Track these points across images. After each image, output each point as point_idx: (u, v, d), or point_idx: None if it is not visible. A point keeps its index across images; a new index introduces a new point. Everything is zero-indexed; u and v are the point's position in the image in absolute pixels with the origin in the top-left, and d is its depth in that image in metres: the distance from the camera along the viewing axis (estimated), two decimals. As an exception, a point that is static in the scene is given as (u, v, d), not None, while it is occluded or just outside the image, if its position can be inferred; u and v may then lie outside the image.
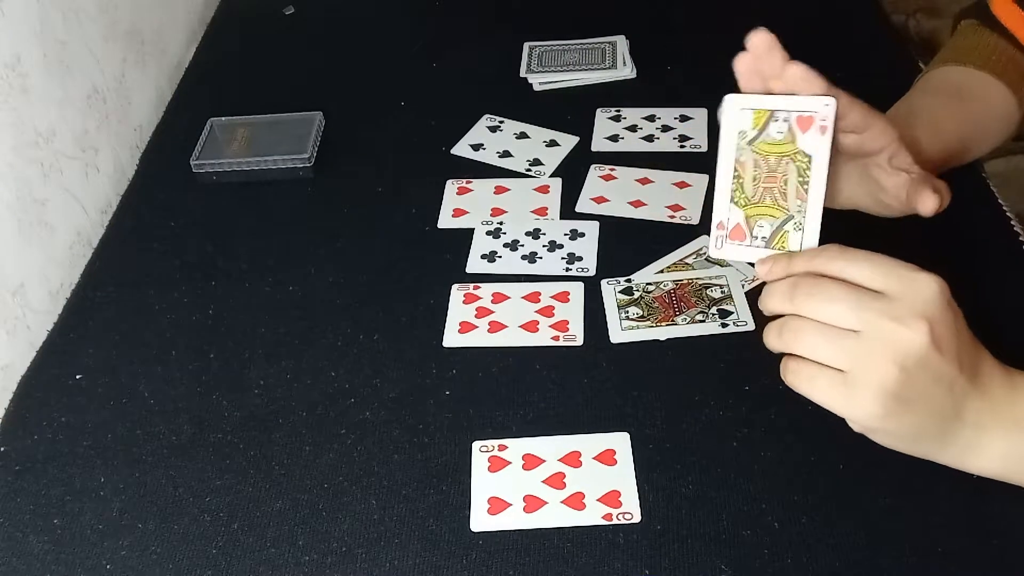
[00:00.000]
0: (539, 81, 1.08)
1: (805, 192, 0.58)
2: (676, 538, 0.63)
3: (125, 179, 1.01)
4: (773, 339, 0.57)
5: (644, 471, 0.67)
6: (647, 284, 0.80)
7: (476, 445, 0.69)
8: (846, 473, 0.66)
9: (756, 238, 0.59)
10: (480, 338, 0.78)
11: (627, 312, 0.78)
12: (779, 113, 0.58)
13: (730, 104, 0.59)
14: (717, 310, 0.77)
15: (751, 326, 0.76)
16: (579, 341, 0.77)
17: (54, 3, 0.93)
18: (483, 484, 0.67)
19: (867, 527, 0.63)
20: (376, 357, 0.77)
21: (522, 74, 1.09)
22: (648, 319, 0.77)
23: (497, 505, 0.66)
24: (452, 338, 0.78)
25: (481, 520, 0.65)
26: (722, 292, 0.79)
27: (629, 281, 0.80)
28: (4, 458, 0.72)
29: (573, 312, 0.79)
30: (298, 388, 0.75)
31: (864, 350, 0.53)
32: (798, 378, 0.56)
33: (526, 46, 1.13)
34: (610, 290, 0.80)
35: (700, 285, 0.79)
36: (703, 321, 0.77)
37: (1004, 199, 0.87)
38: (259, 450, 0.71)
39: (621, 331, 0.77)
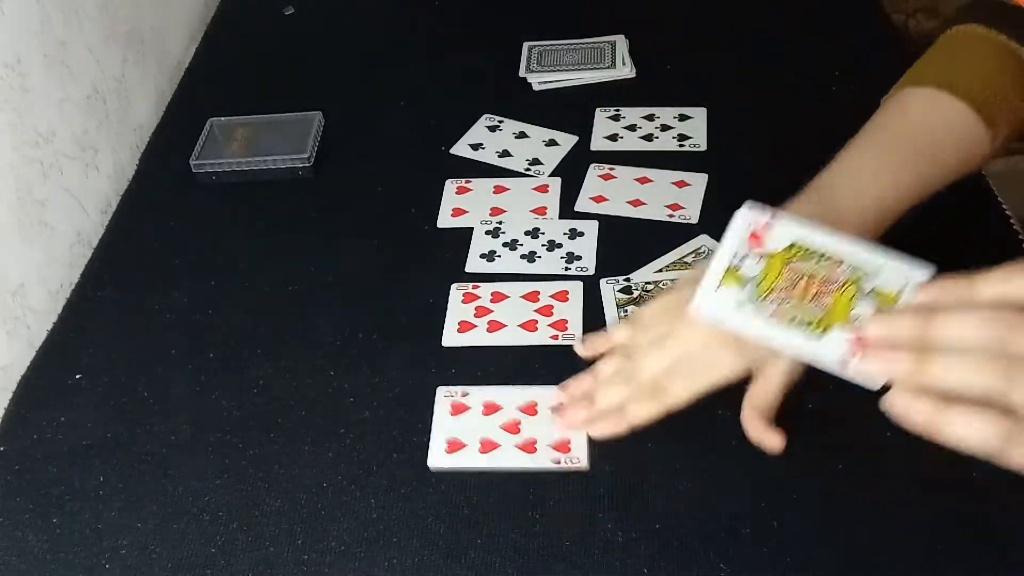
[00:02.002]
0: (539, 81, 1.08)
1: (831, 261, 0.53)
2: (676, 537, 0.63)
3: (125, 179, 1.01)
4: (979, 375, 0.45)
5: (644, 470, 0.67)
6: (646, 283, 0.80)
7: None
8: (845, 472, 0.66)
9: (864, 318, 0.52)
10: (479, 337, 0.78)
11: (626, 312, 0.78)
12: (732, 260, 0.55)
13: (700, 304, 0.54)
14: None
15: None
16: (578, 340, 0.77)
17: (54, 3, 0.93)
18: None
19: (867, 526, 0.63)
20: (376, 357, 0.77)
21: (521, 74, 1.09)
22: None
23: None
24: (451, 337, 0.78)
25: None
26: None
27: (628, 280, 0.80)
28: (4, 458, 0.72)
29: (572, 311, 0.79)
30: (298, 388, 0.76)
31: None
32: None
33: (526, 46, 1.13)
34: (609, 289, 0.80)
35: None
36: None
37: (1004, 199, 0.87)
38: (258, 450, 0.71)
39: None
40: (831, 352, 0.52)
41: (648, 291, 0.79)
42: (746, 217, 0.55)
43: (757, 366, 0.66)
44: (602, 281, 0.81)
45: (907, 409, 0.46)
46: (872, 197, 0.70)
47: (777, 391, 0.66)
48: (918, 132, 0.74)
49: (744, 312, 0.54)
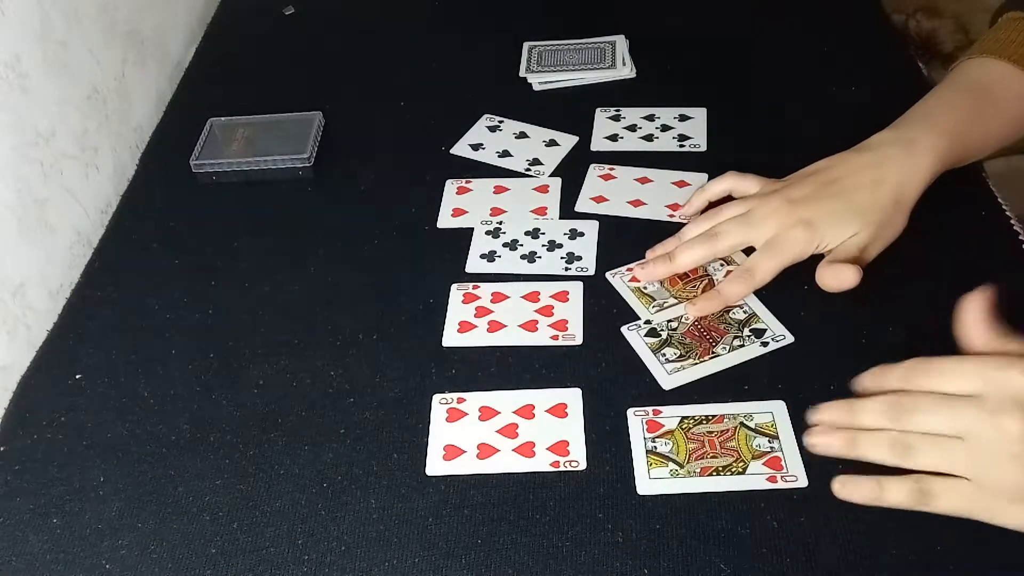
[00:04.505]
0: (539, 81, 1.08)
1: None
2: (676, 537, 0.63)
3: (125, 179, 1.01)
4: (883, 451, 0.62)
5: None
6: (668, 321, 0.77)
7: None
8: (844, 471, 0.66)
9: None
10: (479, 337, 0.78)
11: (664, 355, 0.74)
12: (647, 448, 0.67)
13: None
14: (750, 331, 0.75)
15: (789, 339, 0.74)
16: (578, 340, 0.77)
17: (54, 3, 0.93)
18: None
19: (866, 526, 0.63)
20: (376, 357, 0.77)
21: (522, 74, 1.09)
22: (689, 356, 0.74)
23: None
24: (451, 338, 0.78)
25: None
26: (744, 312, 0.77)
27: (649, 323, 0.77)
28: (4, 458, 0.72)
29: (572, 311, 0.79)
30: (298, 388, 0.76)
31: (974, 454, 0.59)
32: (934, 497, 0.60)
33: (526, 46, 1.13)
34: (635, 335, 0.76)
35: (721, 310, 0.77)
36: (743, 346, 0.74)
37: (1004, 199, 0.86)
38: (258, 450, 0.71)
39: (668, 376, 0.73)
40: (757, 480, 0.65)
41: (675, 328, 0.76)
42: (638, 415, 0.69)
43: (825, 247, 0.77)
44: (623, 328, 0.77)
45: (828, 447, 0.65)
46: (942, 129, 0.80)
47: (847, 256, 0.76)
48: (980, 86, 0.84)
49: (680, 479, 0.65)
